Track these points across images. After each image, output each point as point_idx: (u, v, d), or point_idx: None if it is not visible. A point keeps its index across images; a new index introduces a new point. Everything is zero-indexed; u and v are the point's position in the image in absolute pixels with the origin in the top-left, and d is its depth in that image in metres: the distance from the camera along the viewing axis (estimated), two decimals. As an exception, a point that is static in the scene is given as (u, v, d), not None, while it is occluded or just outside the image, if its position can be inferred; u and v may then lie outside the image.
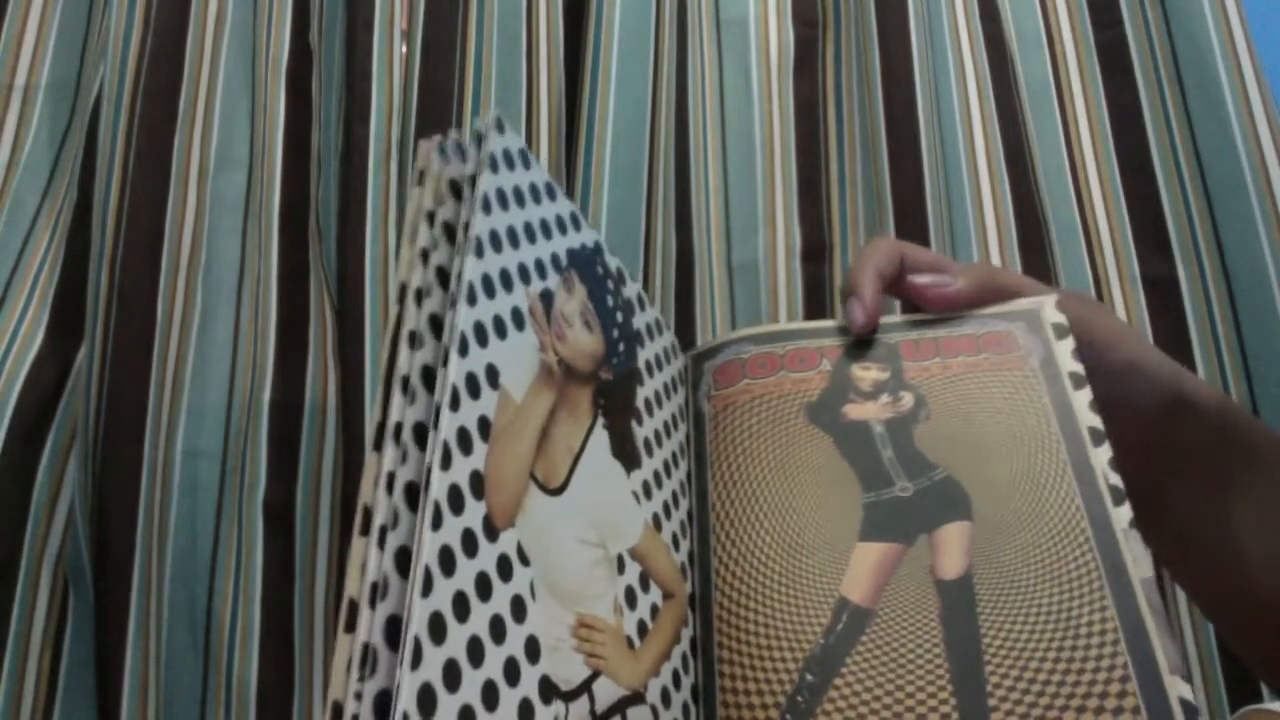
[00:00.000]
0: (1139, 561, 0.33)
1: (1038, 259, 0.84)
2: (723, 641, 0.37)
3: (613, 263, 0.45)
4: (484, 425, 0.32)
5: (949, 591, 0.34)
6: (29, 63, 0.87)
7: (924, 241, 0.81)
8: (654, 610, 0.37)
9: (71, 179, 0.85)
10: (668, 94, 0.87)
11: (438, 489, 0.29)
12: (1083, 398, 0.38)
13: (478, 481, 0.31)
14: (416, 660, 0.25)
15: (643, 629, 0.36)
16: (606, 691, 0.33)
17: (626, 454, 0.40)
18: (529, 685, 0.30)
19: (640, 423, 0.42)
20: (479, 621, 0.29)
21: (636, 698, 0.35)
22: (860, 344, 0.44)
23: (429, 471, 0.29)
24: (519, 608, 0.31)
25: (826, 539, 0.37)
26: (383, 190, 0.79)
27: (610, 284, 0.43)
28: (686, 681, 0.37)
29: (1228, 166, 0.83)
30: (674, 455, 0.43)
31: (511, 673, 0.29)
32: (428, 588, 0.27)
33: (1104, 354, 0.41)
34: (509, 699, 0.29)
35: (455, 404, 0.31)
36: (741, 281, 0.87)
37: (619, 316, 0.43)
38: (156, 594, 0.74)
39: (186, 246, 0.81)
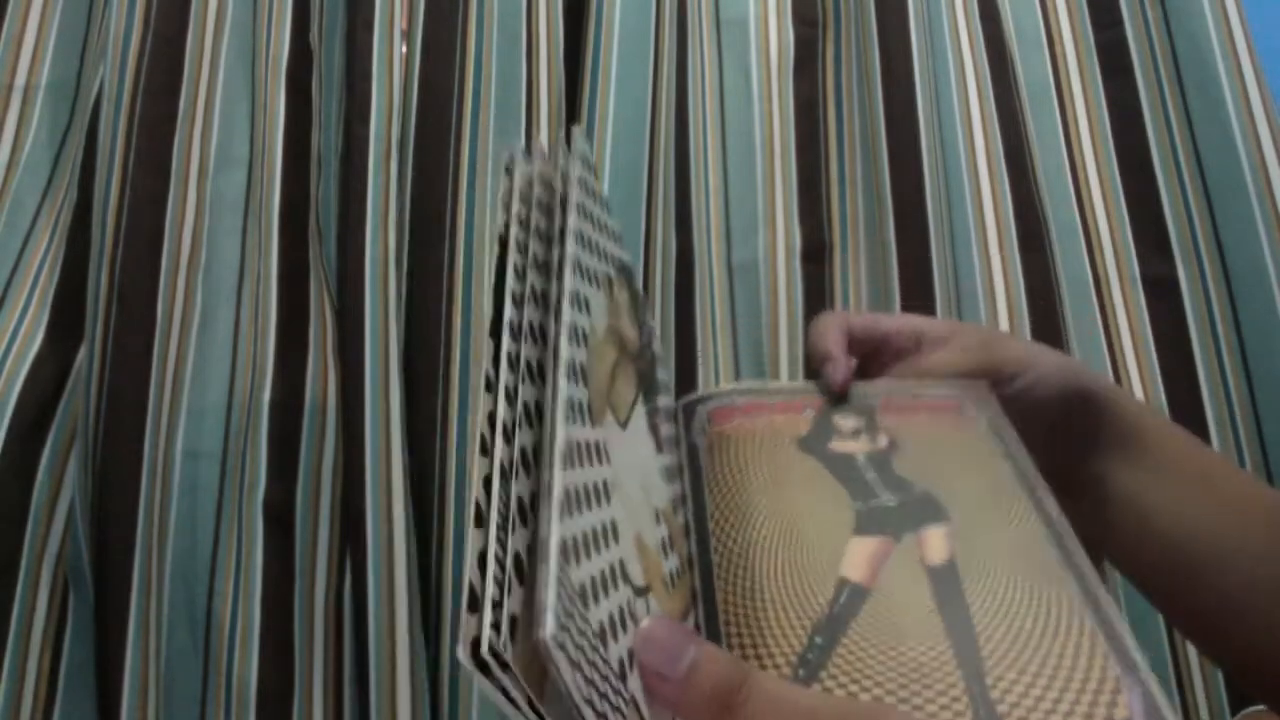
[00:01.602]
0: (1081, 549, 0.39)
1: (1038, 259, 0.84)
2: (730, 619, 0.38)
3: (641, 290, 0.51)
4: (584, 334, 0.37)
5: (937, 574, 0.39)
6: (29, 63, 0.87)
7: (924, 241, 0.81)
8: (677, 572, 0.40)
9: (71, 179, 0.85)
10: (668, 94, 0.87)
11: (565, 358, 0.33)
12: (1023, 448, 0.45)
13: (582, 372, 0.35)
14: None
15: (673, 579, 0.39)
16: (656, 609, 0.35)
17: (655, 434, 0.44)
18: (614, 557, 0.32)
19: (660, 419, 0.46)
20: (583, 477, 0.31)
21: None
22: (837, 401, 0.50)
23: (557, 348, 0.33)
24: (605, 491, 0.33)
25: (823, 533, 0.42)
26: (383, 190, 0.79)
27: (640, 303, 0.49)
28: None
29: (1228, 166, 0.83)
30: (674, 469, 0.47)
31: (604, 535, 0.31)
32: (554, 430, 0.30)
33: (1012, 383, 0.50)
34: (601, 558, 0.30)
35: (567, 308, 0.35)
36: (741, 281, 0.87)
37: (645, 331, 0.48)
38: (156, 594, 0.74)
39: (186, 246, 0.81)
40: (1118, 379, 0.84)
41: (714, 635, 0.39)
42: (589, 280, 0.40)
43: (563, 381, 0.32)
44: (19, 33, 0.87)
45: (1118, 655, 0.34)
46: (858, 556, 0.40)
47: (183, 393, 0.79)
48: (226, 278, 0.83)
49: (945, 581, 0.38)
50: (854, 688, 0.34)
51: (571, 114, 0.87)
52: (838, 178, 0.89)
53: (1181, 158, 0.86)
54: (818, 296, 0.86)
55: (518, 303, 0.35)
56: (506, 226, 0.38)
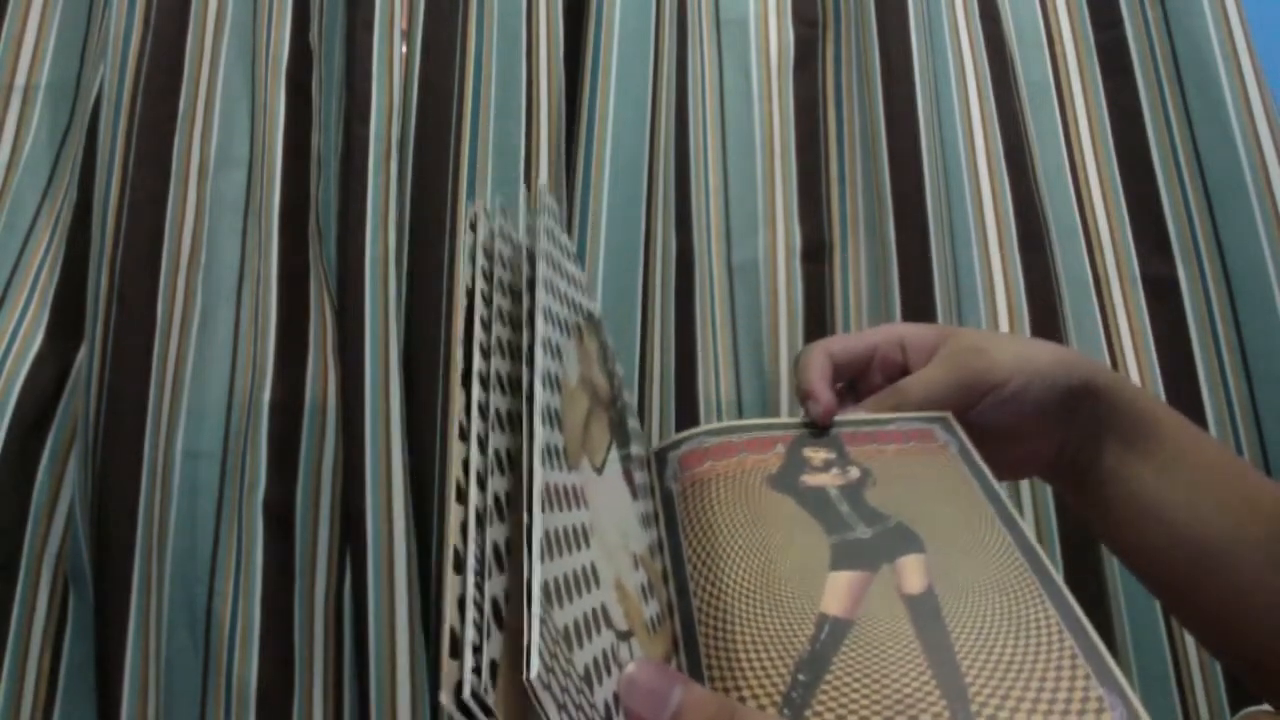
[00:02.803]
0: (1055, 568, 0.40)
1: (1038, 259, 0.84)
2: (711, 664, 0.38)
3: (610, 339, 0.52)
4: (557, 381, 0.37)
5: (915, 603, 0.39)
6: (29, 63, 0.87)
7: (924, 241, 0.81)
8: (659, 616, 0.40)
9: (71, 179, 0.85)
10: (668, 94, 0.87)
11: (541, 403, 0.33)
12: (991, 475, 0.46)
13: (557, 418, 0.35)
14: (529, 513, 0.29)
15: (654, 624, 0.39)
16: (639, 654, 0.35)
17: (629, 482, 0.44)
18: (595, 601, 0.32)
19: (634, 467, 0.47)
20: (561, 521, 0.31)
21: None
22: (808, 434, 0.51)
23: (530, 391, 0.33)
24: (584, 535, 0.33)
25: (800, 570, 0.42)
26: (383, 190, 0.79)
27: (608, 353, 0.50)
28: None
29: (1228, 166, 0.83)
30: (650, 516, 0.47)
31: (584, 579, 0.32)
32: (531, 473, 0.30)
33: (1003, 389, 0.49)
34: (583, 601, 0.31)
35: (540, 354, 0.36)
36: (741, 281, 0.87)
37: (615, 381, 0.49)
38: (156, 594, 0.74)
39: (186, 246, 0.81)
40: (1118, 379, 0.84)
41: (697, 680, 0.39)
42: (560, 328, 0.40)
43: (539, 426, 0.32)
44: (19, 33, 0.87)
45: (1099, 675, 0.34)
46: (837, 590, 0.40)
47: (183, 393, 0.79)
48: (226, 278, 0.83)
49: (924, 610, 0.38)
50: None
51: (571, 114, 0.87)
52: (838, 178, 0.89)
53: (1181, 158, 0.86)
54: (818, 296, 0.86)
55: (486, 353, 0.36)
56: (473, 279, 0.38)
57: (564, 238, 0.48)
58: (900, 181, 0.83)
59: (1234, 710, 0.75)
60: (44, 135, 0.86)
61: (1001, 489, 0.44)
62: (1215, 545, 0.47)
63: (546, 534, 0.29)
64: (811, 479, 0.47)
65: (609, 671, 0.30)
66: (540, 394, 0.33)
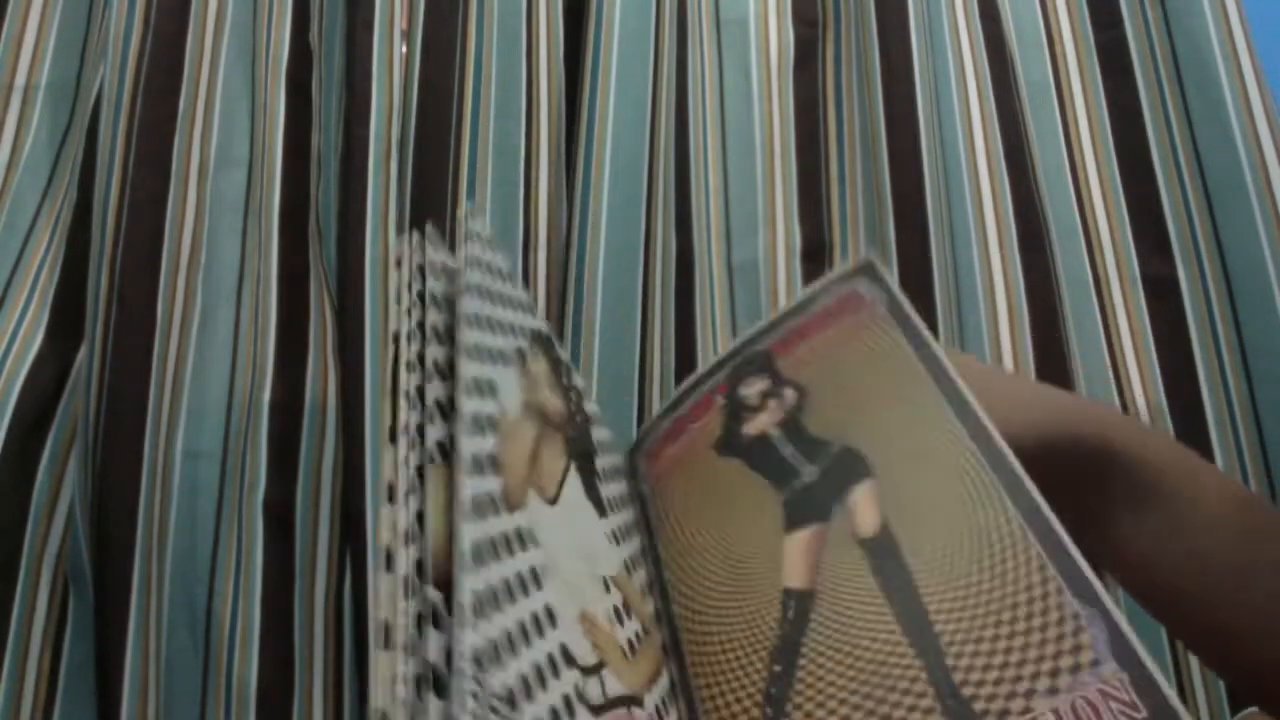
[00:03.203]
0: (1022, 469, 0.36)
1: (1038, 259, 0.84)
2: (698, 673, 0.38)
3: (563, 355, 0.51)
4: (491, 420, 0.35)
5: (873, 547, 0.37)
6: (29, 63, 0.87)
7: (924, 241, 0.81)
8: (639, 636, 0.39)
9: (71, 179, 0.85)
10: (668, 94, 0.87)
11: (465, 450, 0.31)
12: (929, 336, 0.42)
13: (493, 461, 0.34)
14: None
15: (633, 646, 0.38)
16: (613, 683, 0.34)
17: (595, 500, 0.44)
18: (552, 644, 0.31)
19: (601, 481, 0.46)
20: (505, 570, 0.30)
21: (638, 700, 0.36)
22: (740, 365, 0.48)
23: (455, 438, 0.32)
24: (535, 578, 0.32)
25: (758, 545, 0.41)
26: (383, 190, 0.79)
27: (562, 369, 0.49)
28: (673, 712, 0.39)
29: (1228, 166, 0.83)
30: (627, 527, 0.46)
31: (536, 626, 0.31)
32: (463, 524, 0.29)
33: None
34: (534, 650, 0.30)
35: (470, 394, 0.34)
36: (741, 281, 0.87)
37: (572, 396, 0.48)
38: (156, 594, 0.74)
39: (186, 246, 0.81)
40: (1118, 379, 0.84)
41: (686, 687, 0.38)
42: (493, 361, 0.39)
43: (465, 480, 0.31)
44: (19, 33, 0.87)
45: (1071, 584, 0.32)
46: (794, 558, 0.39)
47: (183, 393, 0.79)
48: (226, 278, 0.83)
49: (883, 552, 0.37)
50: (821, 713, 0.34)
51: (572, 114, 0.87)
52: (838, 178, 0.89)
53: (1181, 158, 0.86)
54: (818, 296, 0.86)
55: (411, 403, 0.34)
56: (398, 324, 0.37)
57: (497, 259, 0.47)
58: (900, 181, 0.83)
59: (1234, 711, 0.75)
60: (44, 135, 0.86)
61: (937, 345, 0.41)
62: (1226, 575, 0.42)
63: (478, 595, 0.28)
64: (752, 426, 0.45)
65: (572, 713, 0.30)
66: (466, 446, 0.32)
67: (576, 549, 0.38)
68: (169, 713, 0.72)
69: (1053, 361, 0.81)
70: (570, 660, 0.32)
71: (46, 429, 0.78)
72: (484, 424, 0.35)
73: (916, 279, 0.81)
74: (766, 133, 0.90)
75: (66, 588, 0.76)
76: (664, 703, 0.38)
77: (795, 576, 0.39)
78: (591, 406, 0.51)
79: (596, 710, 0.32)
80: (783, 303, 0.86)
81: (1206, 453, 0.80)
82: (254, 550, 0.75)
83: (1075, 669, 0.31)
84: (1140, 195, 0.87)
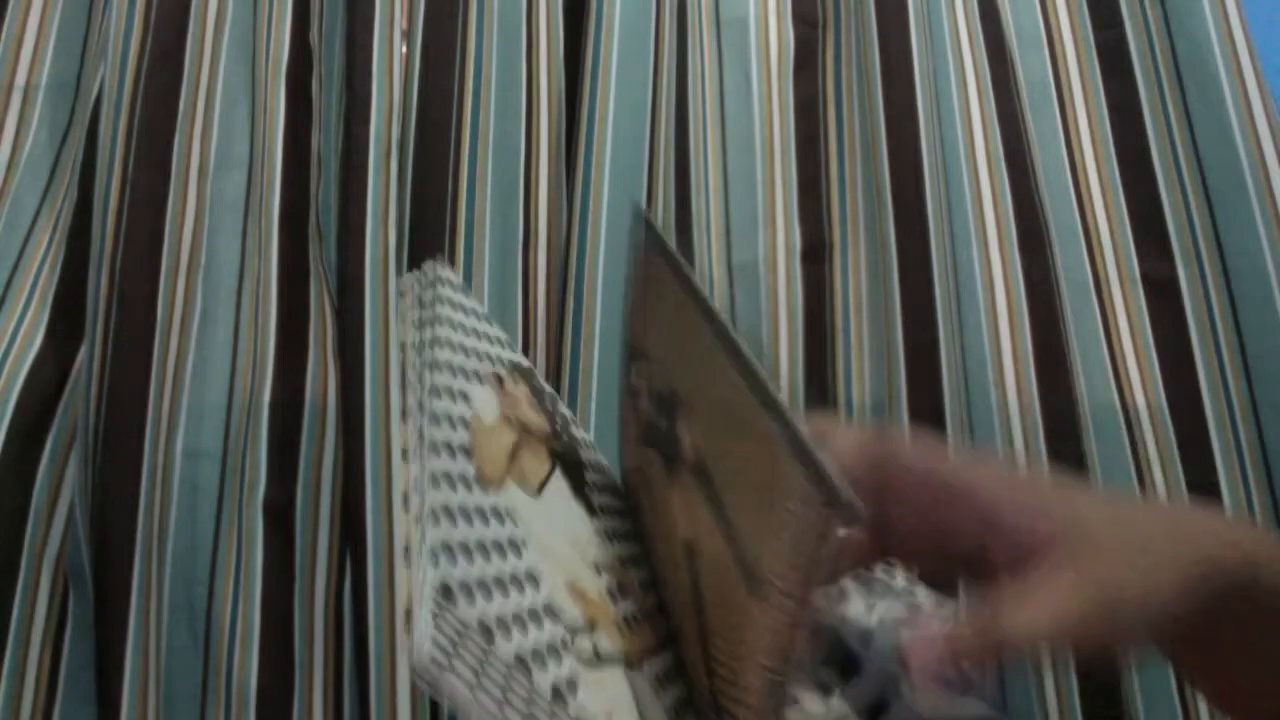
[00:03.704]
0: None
1: (1038, 258, 0.84)
2: (715, 650, 0.38)
3: (547, 387, 0.55)
4: (463, 420, 0.40)
5: (700, 475, 0.39)
6: (29, 63, 0.87)
7: (924, 241, 0.81)
8: (635, 617, 0.40)
9: (71, 179, 0.85)
10: (668, 94, 0.87)
11: (432, 437, 0.36)
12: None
13: (464, 449, 0.38)
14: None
15: (629, 623, 0.40)
16: (608, 644, 0.36)
17: (586, 502, 0.46)
18: (533, 600, 0.34)
19: (592, 490, 0.48)
20: (477, 533, 0.34)
21: (636, 665, 0.37)
22: (626, 358, 0.51)
23: (421, 430, 0.36)
24: (514, 547, 0.36)
25: (666, 511, 0.43)
26: (383, 190, 0.78)
27: (545, 397, 0.52)
28: (671, 691, 0.39)
29: (1228, 166, 0.83)
30: (624, 532, 0.48)
31: (516, 583, 0.34)
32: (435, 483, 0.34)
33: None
34: (512, 601, 0.33)
35: (438, 396, 0.39)
36: (741, 282, 0.87)
37: (557, 419, 0.51)
38: (156, 594, 0.74)
39: (186, 246, 0.81)
40: (1118, 379, 0.83)
41: (687, 683, 0.39)
42: (466, 377, 0.44)
43: (430, 457, 0.35)
44: (19, 33, 0.87)
45: (790, 446, 0.31)
46: (675, 507, 0.42)
47: (183, 393, 0.79)
48: (226, 278, 0.83)
49: (705, 479, 0.39)
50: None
51: (572, 114, 0.87)
52: (838, 178, 0.89)
53: (1181, 158, 0.86)
54: (817, 297, 0.86)
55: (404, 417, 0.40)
56: (402, 356, 0.43)
57: (470, 302, 0.52)
58: (900, 181, 0.83)
59: None
60: (44, 135, 0.86)
61: (688, 266, 0.44)
62: None
63: (449, 544, 0.32)
64: (641, 409, 0.48)
65: (558, 659, 0.33)
66: (432, 434, 0.37)
67: (563, 534, 0.41)
68: (169, 712, 0.72)
69: (1053, 361, 0.81)
70: (555, 616, 0.34)
71: (46, 429, 0.78)
72: (455, 421, 0.38)
73: (916, 279, 0.81)
74: (766, 133, 0.90)
75: (66, 587, 0.76)
76: (660, 680, 0.39)
77: (684, 526, 0.41)
78: (582, 433, 0.54)
79: (588, 664, 0.34)
80: (783, 303, 0.86)
81: (1206, 453, 0.80)
82: (254, 550, 0.76)
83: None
84: (1140, 195, 0.87)
